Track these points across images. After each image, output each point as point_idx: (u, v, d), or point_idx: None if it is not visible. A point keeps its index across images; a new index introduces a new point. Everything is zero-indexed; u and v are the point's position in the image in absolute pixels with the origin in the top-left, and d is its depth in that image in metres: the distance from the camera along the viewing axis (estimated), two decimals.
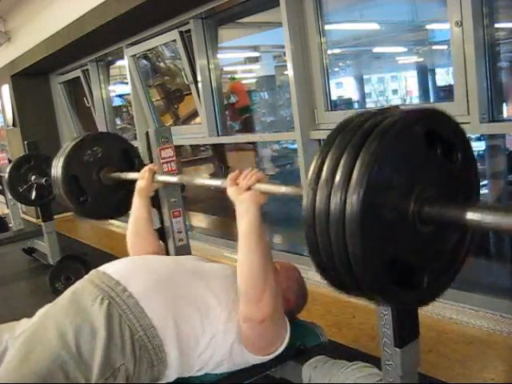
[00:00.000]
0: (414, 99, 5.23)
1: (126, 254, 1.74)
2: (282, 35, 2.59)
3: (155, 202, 2.01)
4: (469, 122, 1.94)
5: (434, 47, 3.67)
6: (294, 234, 3.66)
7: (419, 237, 0.84)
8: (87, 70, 4.93)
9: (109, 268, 1.48)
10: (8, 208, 4.49)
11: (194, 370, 1.40)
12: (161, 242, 2.07)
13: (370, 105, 7.12)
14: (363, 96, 4.60)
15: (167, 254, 2.06)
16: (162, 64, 4.68)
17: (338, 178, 0.78)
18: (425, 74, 4.33)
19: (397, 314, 1.07)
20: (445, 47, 2.79)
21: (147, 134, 2.06)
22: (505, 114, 2.06)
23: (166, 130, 2.09)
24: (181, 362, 1.35)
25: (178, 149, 4.38)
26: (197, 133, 3.68)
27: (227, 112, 3.97)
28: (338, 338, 2.13)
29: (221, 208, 4.49)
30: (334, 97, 2.78)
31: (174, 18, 3.37)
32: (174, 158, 2.05)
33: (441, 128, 0.86)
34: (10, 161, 4.12)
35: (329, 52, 2.62)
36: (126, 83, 4.55)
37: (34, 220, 5.36)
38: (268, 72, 5.21)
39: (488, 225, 0.76)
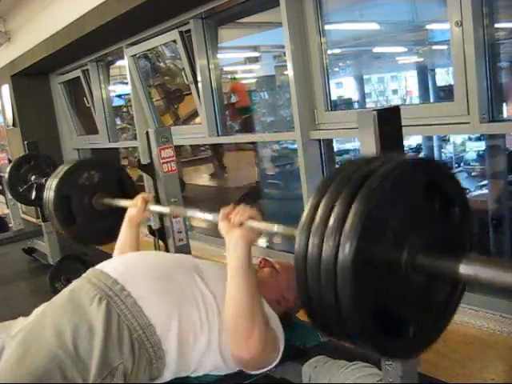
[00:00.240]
0: (414, 99, 5.24)
1: None
2: (282, 35, 2.58)
3: (156, 202, 2.01)
4: (469, 122, 1.93)
5: (434, 47, 3.67)
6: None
7: (410, 286, 0.83)
8: (87, 70, 4.92)
9: (106, 266, 1.48)
10: (8, 208, 4.50)
11: (191, 369, 1.39)
12: (161, 242, 2.07)
13: (370, 105, 7.14)
14: (363, 96, 4.60)
15: None
16: (162, 64, 4.68)
17: (331, 223, 0.76)
18: (425, 74, 4.33)
19: None
20: (445, 47, 2.79)
21: (147, 133, 2.06)
22: (505, 114, 2.06)
23: (166, 129, 2.09)
24: (179, 359, 1.34)
25: (178, 149, 4.38)
26: (197, 133, 3.67)
27: (227, 112, 3.97)
28: None
29: (221, 208, 4.46)
30: (334, 97, 2.78)
31: (173, 18, 3.36)
32: (174, 158, 2.06)
33: (438, 177, 0.85)
34: (10, 161, 4.12)
35: (329, 52, 2.61)
36: (126, 83, 4.54)
37: (33, 220, 5.33)
38: (268, 72, 5.20)
39: (482, 280, 0.74)
